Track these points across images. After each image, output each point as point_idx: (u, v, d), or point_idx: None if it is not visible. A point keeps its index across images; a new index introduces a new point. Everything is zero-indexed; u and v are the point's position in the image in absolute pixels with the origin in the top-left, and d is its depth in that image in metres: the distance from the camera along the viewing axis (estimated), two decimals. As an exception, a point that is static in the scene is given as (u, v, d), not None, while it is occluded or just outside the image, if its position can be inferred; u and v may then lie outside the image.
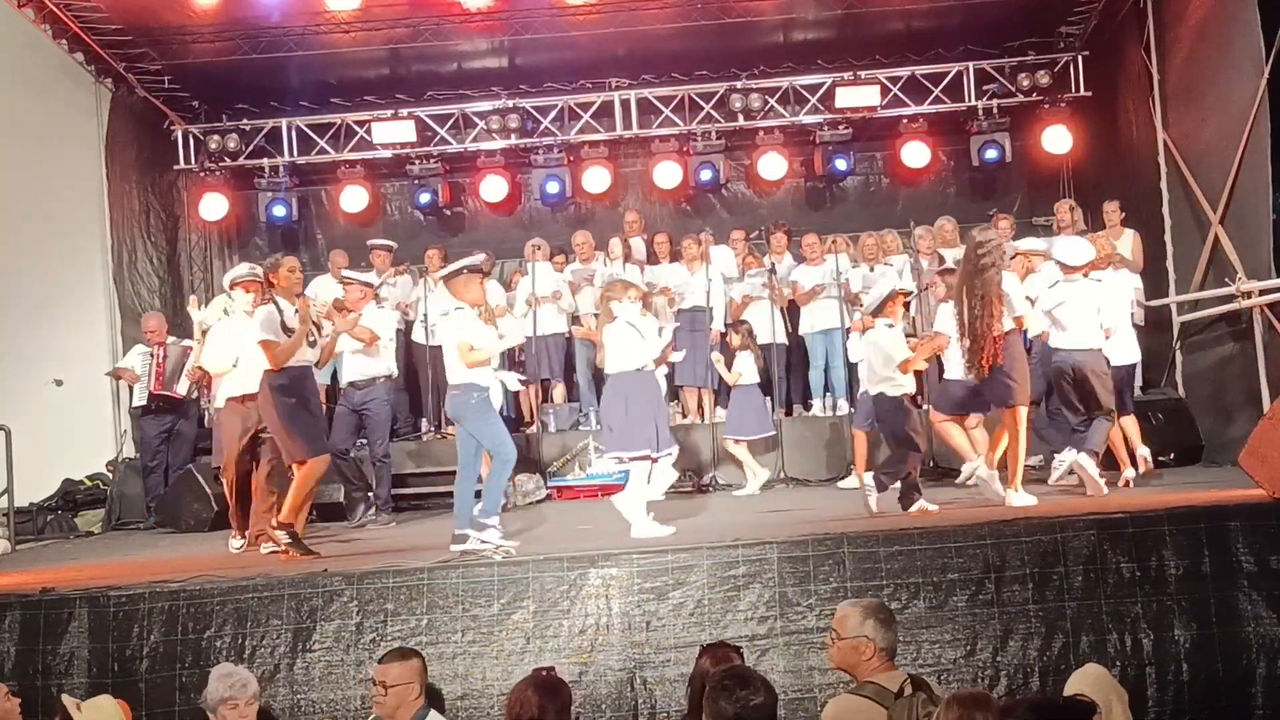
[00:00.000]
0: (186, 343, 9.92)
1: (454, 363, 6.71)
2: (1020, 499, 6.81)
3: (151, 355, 9.87)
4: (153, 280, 11.78)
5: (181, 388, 9.83)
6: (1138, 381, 9.10)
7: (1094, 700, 4.30)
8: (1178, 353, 9.83)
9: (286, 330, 6.68)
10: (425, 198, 12.12)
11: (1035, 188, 12.20)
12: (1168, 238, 9.93)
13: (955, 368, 7.43)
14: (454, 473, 6.91)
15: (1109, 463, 7.54)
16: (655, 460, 7.09)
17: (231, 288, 7.96)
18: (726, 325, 10.07)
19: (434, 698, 5.00)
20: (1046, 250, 8.16)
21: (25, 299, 10.12)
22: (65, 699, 4.75)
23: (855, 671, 4.07)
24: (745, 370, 9.30)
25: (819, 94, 11.67)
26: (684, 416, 10.60)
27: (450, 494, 7.02)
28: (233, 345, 7.68)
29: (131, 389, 10.16)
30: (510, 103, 11.83)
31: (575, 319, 10.96)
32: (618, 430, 7.12)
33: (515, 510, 9.18)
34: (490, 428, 6.77)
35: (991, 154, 11.66)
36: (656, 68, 11.85)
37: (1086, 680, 4.42)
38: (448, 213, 12.62)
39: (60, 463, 10.37)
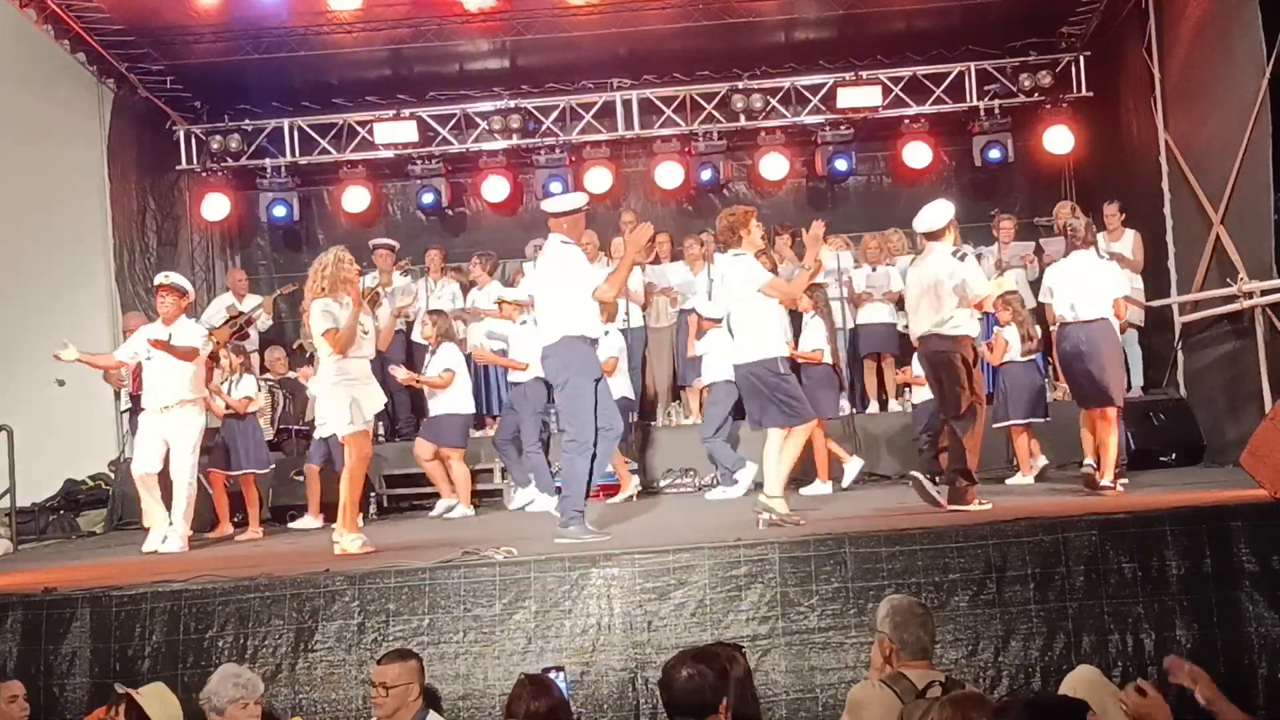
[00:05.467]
0: None
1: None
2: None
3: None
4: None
5: None
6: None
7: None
8: (1179, 353, 9.83)
9: None
10: (427, 198, 12.12)
11: (1037, 188, 12.20)
12: (1169, 238, 9.92)
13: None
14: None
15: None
16: None
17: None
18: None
19: (432, 698, 5.00)
20: None
21: (27, 299, 10.13)
22: (119, 687, 4.71)
23: (887, 666, 4.09)
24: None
25: (820, 94, 11.67)
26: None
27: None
28: None
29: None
30: (512, 103, 11.83)
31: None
32: None
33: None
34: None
35: (993, 154, 11.66)
36: (658, 68, 11.85)
37: (1081, 682, 4.42)
38: (450, 213, 12.62)
39: (62, 463, 10.38)
